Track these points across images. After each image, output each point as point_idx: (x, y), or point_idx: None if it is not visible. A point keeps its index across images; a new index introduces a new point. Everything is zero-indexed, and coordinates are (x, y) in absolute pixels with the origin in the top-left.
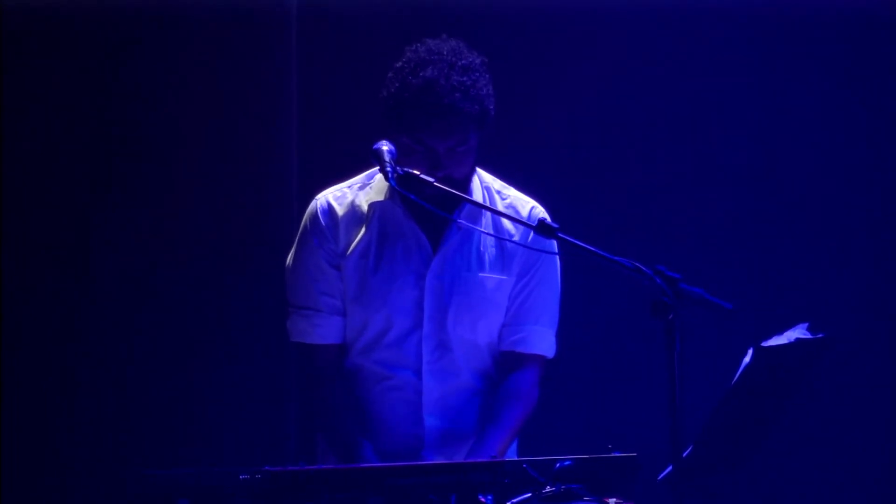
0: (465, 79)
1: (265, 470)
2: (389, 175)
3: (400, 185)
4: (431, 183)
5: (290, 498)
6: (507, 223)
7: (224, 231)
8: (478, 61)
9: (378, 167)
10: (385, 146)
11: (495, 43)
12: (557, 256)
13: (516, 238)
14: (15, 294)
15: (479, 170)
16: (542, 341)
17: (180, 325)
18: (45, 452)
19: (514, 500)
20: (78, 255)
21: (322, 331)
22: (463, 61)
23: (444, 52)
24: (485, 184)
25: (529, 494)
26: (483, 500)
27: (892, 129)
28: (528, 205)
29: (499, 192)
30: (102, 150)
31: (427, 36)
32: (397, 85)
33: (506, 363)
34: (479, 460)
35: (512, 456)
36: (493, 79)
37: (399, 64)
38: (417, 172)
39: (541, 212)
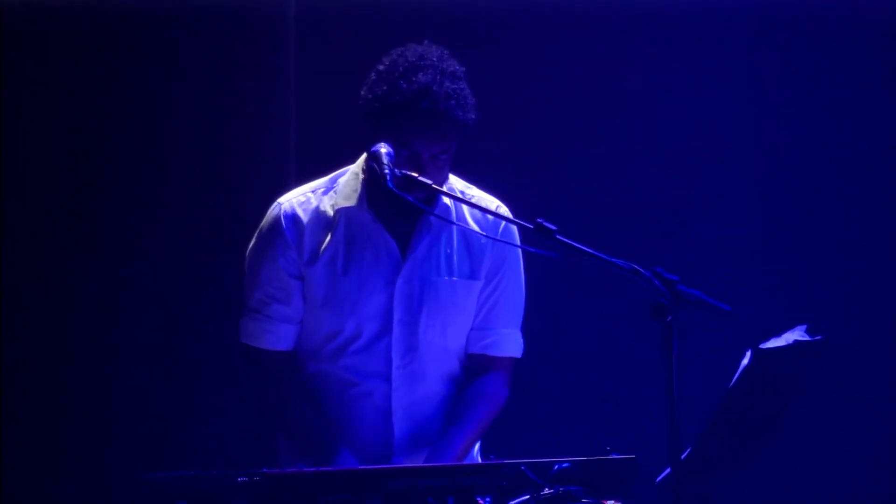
0: (455, 86)
1: (263, 472)
2: (388, 177)
3: (394, 188)
4: (430, 185)
5: (288, 500)
6: (474, 226)
7: (221, 232)
8: (461, 69)
9: (343, 170)
10: (384, 148)
11: (492, 43)
12: (520, 255)
13: (483, 239)
14: (13, 296)
15: None
16: (512, 343)
17: (178, 327)
18: (43, 456)
19: (513, 503)
20: (76, 257)
21: (270, 336)
22: (451, 68)
23: (434, 59)
24: (449, 185)
25: (528, 497)
26: (481, 502)
27: (889, 131)
28: (493, 204)
29: (462, 193)
30: (99, 150)
31: (427, 35)
32: (385, 89)
33: (475, 366)
34: (478, 463)
35: (475, 457)
36: (491, 79)
37: (383, 67)
38: (416, 175)
39: (505, 211)
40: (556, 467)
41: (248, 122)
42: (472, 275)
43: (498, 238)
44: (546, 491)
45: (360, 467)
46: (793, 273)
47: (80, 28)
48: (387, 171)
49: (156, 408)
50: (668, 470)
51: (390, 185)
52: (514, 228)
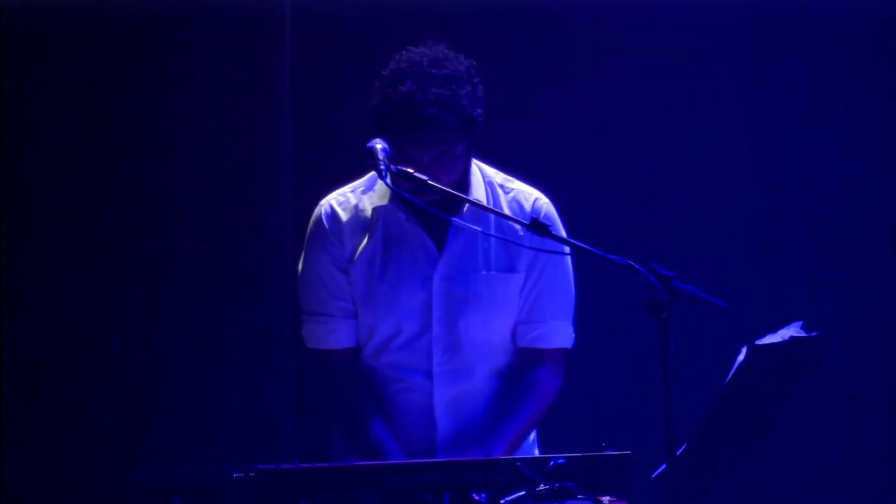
0: (443, 90)
1: (259, 468)
2: (383, 173)
3: (395, 185)
4: (426, 181)
5: (284, 496)
6: (509, 215)
7: (218, 230)
8: (462, 68)
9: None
10: (379, 144)
11: (493, 41)
12: (567, 253)
13: (520, 231)
14: (11, 295)
15: (481, 164)
16: (561, 334)
17: (174, 326)
18: (39, 454)
19: (508, 499)
20: (72, 257)
21: (338, 335)
22: (444, 71)
23: (425, 63)
24: (487, 178)
25: (523, 493)
26: (477, 498)
27: (885, 128)
28: (531, 197)
29: (502, 186)
30: (94, 151)
31: (423, 37)
32: (379, 97)
33: (525, 359)
34: (473, 458)
35: (532, 450)
36: (487, 78)
37: (384, 73)
38: (411, 171)
39: (545, 203)
40: (551, 463)
41: (243, 124)
42: (512, 268)
43: (530, 238)
44: (541, 487)
45: (356, 463)
46: (789, 269)
47: (75, 28)
48: (382, 167)
49: (154, 404)
50: (664, 466)
51: (386, 181)
52: (557, 222)
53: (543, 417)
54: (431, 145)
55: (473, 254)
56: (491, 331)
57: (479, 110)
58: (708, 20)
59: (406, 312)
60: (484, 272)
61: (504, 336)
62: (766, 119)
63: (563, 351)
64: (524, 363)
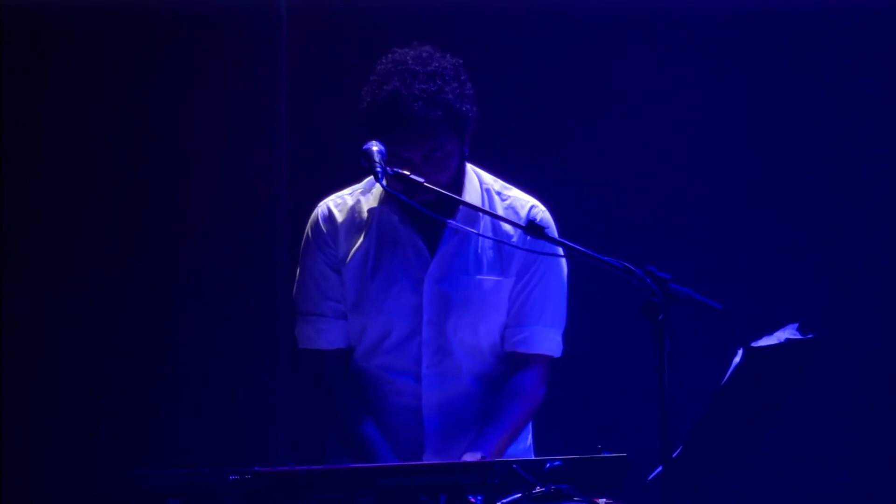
0: (428, 86)
1: (255, 470)
2: (379, 175)
3: (391, 187)
4: (422, 183)
5: (280, 498)
6: (505, 224)
7: (213, 232)
8: (448, 65)
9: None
10: (375, 146)
11: (485, 42)
12: (562, 255)
13: (515, 239)
14: (11, 294)
15: (478, 171)
16: (545, 341)
17: (170, 326)
18: (34, 453)
19: (504, 501)
20: (67, 259)
21: (329, 335)
22: (429, 68)
23: (409, 62)
24: (485, 185)
25: (519, 495)
26: (473, 500)
27: (883, 129)
28: (527, 204)
29: (499, 193)
30: (87, 155)
31: (421, 38)
32: (368, 100)
33: (510, 363)
34: (469, 461)
35: (528, 453)
36: (484, 77)
37: (371, 77)
38: (407, 173)
39: (540, 211)
40: (547, 465)
41: (238, 124)
42: (503, 272)
43: (524, 243)
44: (538, 489)
45: (352, 466)
46: (784, 271)
47: (69, 28)
48: (378, 169)
49: (151, 405)
50: (660, 468)
51: (382, 182)
52: (553, 230)
53: (527, 423)
54: (419, 142)
55: (465, 257)
56: (480, 334)
57: (468, 107)
58: (706, 20)
59: (396, 313)
60: (475, 276)
61: (493, 340)
62: (763, 120)
63: (549, 359)
64: (510, 368)
